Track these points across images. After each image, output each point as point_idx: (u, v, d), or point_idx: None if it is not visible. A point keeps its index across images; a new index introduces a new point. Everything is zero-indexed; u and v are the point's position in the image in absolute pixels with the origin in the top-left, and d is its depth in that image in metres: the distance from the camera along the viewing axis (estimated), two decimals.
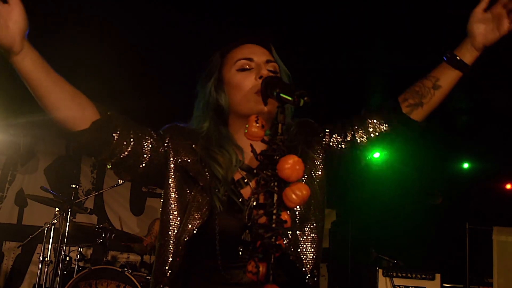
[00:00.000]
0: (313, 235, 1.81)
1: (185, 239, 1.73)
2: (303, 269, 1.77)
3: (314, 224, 1.83)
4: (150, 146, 1.81)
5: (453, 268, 6.87)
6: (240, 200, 1.76)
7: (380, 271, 6.37)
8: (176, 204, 1.78)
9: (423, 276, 6.44)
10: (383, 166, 8.10)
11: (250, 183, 1.80)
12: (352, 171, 2.01)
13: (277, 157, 1.52)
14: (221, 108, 1.88)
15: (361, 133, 1.92)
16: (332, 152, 1.93)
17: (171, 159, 1.82)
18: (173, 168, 1.81)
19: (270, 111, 1.78)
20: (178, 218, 1.76)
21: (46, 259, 5.60)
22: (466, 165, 8.06)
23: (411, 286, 6.36)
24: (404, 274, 6.40)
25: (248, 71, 1.85)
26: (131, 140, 1.78)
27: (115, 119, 1.78)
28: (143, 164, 1.80)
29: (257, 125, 1.59)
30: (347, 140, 1.93)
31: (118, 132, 1.76)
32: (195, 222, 1.73)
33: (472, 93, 6.37)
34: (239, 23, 4.72)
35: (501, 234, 6.49)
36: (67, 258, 5.75)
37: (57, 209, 5.66)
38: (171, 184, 1.80)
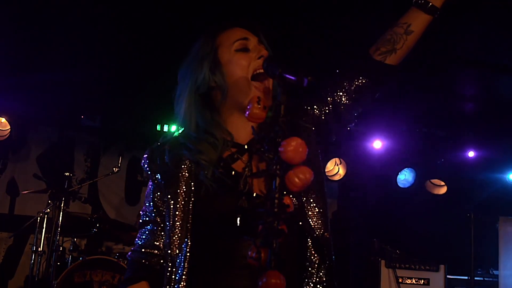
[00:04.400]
0: (319, 206, 1.84)
1: (188, 226, 1.79)
2: (313, 229, 1.81)
3: (319, 197, 1.86)
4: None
5: (457, 259, 6.88)
6: (233, 173, 1.81)
7: (383, 262, 6.38)
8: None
9: (427, 267, 6.45)
10: (387, 155, 8.11)
11: (242, 158, 1.84)
12: (340, 134, 2.04)
13: (280, 140, 1.51)
14: (212, 92, 1.90)
15: (340, 93, 1.95)
16: (319, 122, 1.96)
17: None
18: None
19: (269, 90, 1.81)
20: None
21: (39, 250, 5.60)
22: (471, 154, 8.04)
23: (415, 278, 6.37)
24: (407, 266, 6.41)
25: (247, 51, 1.87)
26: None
27: None
28: None
29: (259, 106, 1.58)
30: (329, 104, 1.96)
31: None
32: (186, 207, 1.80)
33: (478, 80, 6.36)
34: None
35: (507, 224, 6.50)
36: (60, 249, 5.76)
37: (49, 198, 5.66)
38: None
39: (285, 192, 1.48)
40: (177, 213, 1.80)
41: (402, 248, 6.67)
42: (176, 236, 1.79)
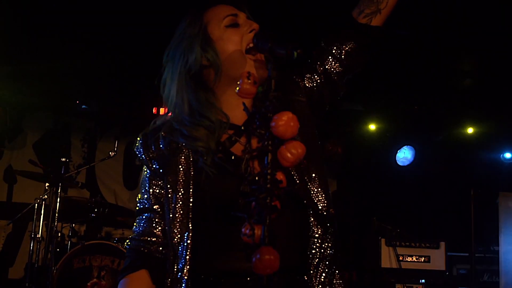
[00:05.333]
0: (321, 182, 1.84)
1: (190, 215, 1.78)
2: (316, 203, 1.80)
3: (318, 175, 1.84)
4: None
5: (458, 236, 6.91)
6: (232, 157, 1.79)
7: (383, 240, 6.40)
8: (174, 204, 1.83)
9: (427, 245, 6.47)
10: (385, 135, 8.11)
11: (240, 140, 1.82)
12: (334, 102, 2.03)
13: (271, 115, 1.50)
14: (204, 71, 1.86)
15: (330, 61, 1.95)
16: (312, 93, 1.95)
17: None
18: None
19: (257, 66, 1.79)
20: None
21: (37, 237, 5.62)
22: (470, 130, 8.04)
23: (415, 255, 6.40)
24: (407, 243, 6.43)
25: (237, 26, 1.85)
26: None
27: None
28: None
29: (249, 81, 1.57)
30: (320, 74, 1.95)
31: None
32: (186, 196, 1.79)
33: (476, 55, 6.34)
34: None
35: (507, 200, 6.50)
36: (59, 235, 5.77)
37: (47, 184, 5.65)
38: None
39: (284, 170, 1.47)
40: (177, 202, 1.78)
41: (402, 226, 6.69)
42: (177, 225, 1.77)
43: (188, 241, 1.75)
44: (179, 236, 1.77)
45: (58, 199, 5.51)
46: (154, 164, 1.88)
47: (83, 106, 7.42)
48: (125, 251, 5.28)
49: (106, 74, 6.80)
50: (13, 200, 7.65)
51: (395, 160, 7.95)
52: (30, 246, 5.66)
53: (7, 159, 7.74)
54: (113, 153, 6.09)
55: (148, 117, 7.60)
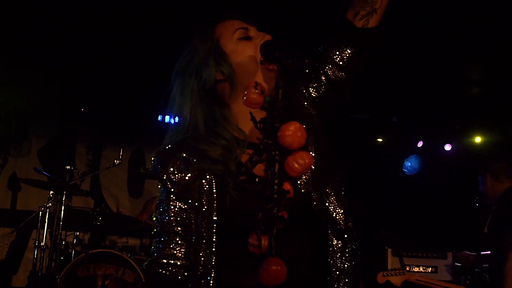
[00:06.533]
0: (336, 196, 1.85)
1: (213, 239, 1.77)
2: (335, 218, 1.81)
3: (333, 189, 1.86)
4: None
5: (465, 247, 6.87)
6: (257, 179, 1.77)
7: (390, 250, 6.38)
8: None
9: (434, 255, 6.44)
10: (392, 144, 8.10)
11: (261, 159, 1.79)
12: (339, 107, 2.02)
13: (278, 125, 1.50)
14: (219, 85, 1.85)
15: (331, 69, 1.94)
16: (317, 101, 1.95)
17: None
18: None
19: (271, 77, 1.78)
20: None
21: (41, 245, 5.62)
22: (477, 140, 8.02)
23: (422, 266, 6.37)
24: (414, 253, 6.40)
25: (250, 39, 1.85)
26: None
27: None
28: None
29: (256, 91, 1.56)
30: (323, 82, 1.95)
31: None
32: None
33: (484, 63, 6.33)
34: None
35: None
36: (63, 243, 5.78)
37: (51, 192, 5.66)
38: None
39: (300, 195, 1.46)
40: (201, 225, 1.77)
41: (409, 236, 6.67)
42: (202, 249, 1.77)
43: (213, 263, 1.75)
44: (204, 260, 1.76)
45: (63, 207, 5.52)
46: (175, 186, 1.85)
47: (89, 113, 7.44)
48: (129, 259, 5.31)
49: (112, 81, 6.83)
50: (17, 207, 7.66)
51: (402, 169, 7.94)
52: (34, 254, 5.67)
53: (12, 166, 7.76)
54: (118, 161, 6.10)
55: (153, 125, 7.66)
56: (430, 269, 6.40)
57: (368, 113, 7.83)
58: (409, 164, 8.01)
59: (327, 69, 1.94)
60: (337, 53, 1.94)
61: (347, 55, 1.94)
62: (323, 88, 1.95)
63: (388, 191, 8.18)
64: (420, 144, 7.96)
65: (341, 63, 1.94)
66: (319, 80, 1.95)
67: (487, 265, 5.40)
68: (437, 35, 5.54)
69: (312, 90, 1.95)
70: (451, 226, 7.71)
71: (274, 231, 1.42)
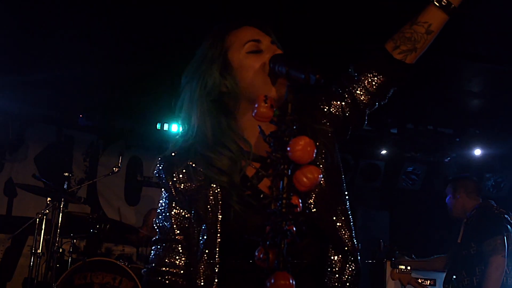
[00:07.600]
0: (342, 214, 1.85)
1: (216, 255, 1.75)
2: (339, 236, 1.81)
3: (340, 207, 1.86)
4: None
5: None
6: (261, 195, 1.76)
7: (388, 263, 6.38)
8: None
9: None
10: (393, 156, 8.12)
11: (266, 174, 1.76)
12: (358, 130, 2.04)
13: (287, 139, 1.51)
14: (224, 96, 1.83)
15: (359, 91, 1.95)
16: (336, 119, 1.94)
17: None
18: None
19: (280, 91, 1.76)
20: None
21: (37, 252, 5.60)
22: (477, 152, 8.04)
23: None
24: (413, 265, 6.40)
25: (259, 53, 1.81)
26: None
27: None
28: None
29: (266, 105, 1.57)
30: (348, 102, 1.95)
31: None
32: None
33: (485, 76, 6.36)
34: None
35: None
36: (60, 250, 5.76)
37: (49, 198, 5.66)
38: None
39: (308, 211, 1.49)
40: (203, 236, 1.76)
41: (408, 248, 6.67)
42: (204, 260, 1.75)
43: (214, 276, 1.73)
44: (205, 272, 1.75)
45: (61, 214, 5.52)
46: (179, 193, 1.83)
47: (86, 120, 7.42)
48: (127, 268, 5.31)
49: (110, 88, 6.83)
50: (13, 213, 7.63)
51: (401, 181, 7.96)
52: (30, 261, 5.65)
53: (8, 171, 7.74)
54: (117, 169, 6.10)
55: (152, 133, 7.64)
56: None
57: (368, 125, 7.85)
58: (410, 176, 8.03)
59: (355, 90, 1.94)
60: (369, 76, 1.94)
61: (378, 81, 1.94)
62: (345, 108, 1.94)
63: (388, 202, 8.20)
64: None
65: (369, 86, 1.94)
66: (343, 99, 1.94)
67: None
68: (437, 48, 5.56)
69: (333, 108, 1.94)
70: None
71: (283, 245, 1.43)
